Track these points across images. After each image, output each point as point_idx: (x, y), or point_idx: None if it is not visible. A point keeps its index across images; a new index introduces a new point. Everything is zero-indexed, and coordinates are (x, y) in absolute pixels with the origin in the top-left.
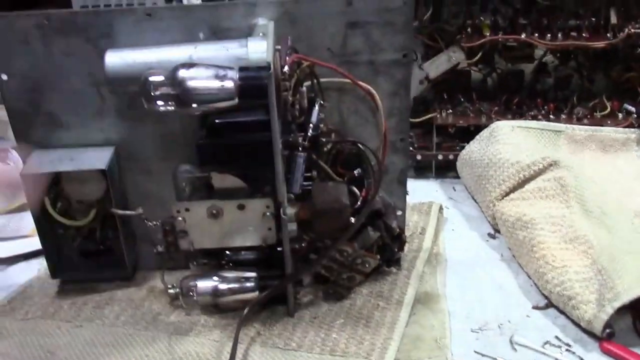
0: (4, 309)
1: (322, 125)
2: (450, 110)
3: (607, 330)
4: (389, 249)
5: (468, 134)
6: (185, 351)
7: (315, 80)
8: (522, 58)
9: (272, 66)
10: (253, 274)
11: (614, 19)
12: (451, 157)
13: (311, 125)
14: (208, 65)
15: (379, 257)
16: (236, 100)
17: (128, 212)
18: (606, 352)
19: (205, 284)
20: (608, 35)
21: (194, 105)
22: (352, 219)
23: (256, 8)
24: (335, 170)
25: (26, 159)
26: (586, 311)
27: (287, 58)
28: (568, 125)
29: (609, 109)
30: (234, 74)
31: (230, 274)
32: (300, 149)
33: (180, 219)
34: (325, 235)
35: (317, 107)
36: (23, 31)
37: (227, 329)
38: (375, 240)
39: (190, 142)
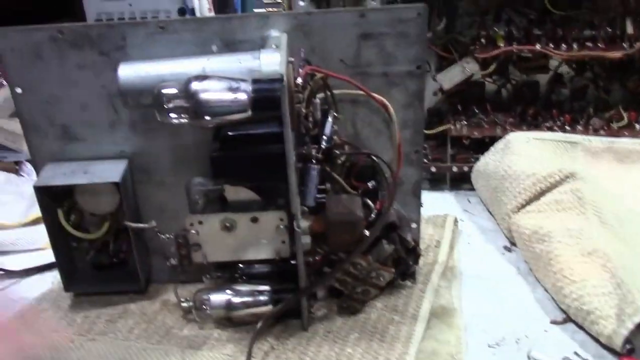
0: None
1: (335, 137)
2: (465, 122)
3: (628, 346)
4: (403, 262)
5: (483, 145)
6: None
7: (328, 92)
8: (537, 69)
9: (285, 78)
10: (267, 288)
11: (630, 29)
12: (466, 168)
13: (325, 137)
14: (221, 78)
15: (393, 270)
16: (249, 113)
17: (141, 225)
18: None
19: (218, 298)
20: (624, 45)
21: (207, 117)
22: (367, 232)
23: (269, 20)
24: (349, 183)
25: (40, 172)
26: (606, 326)
27: (301, 70)
28: (584, 137)
29: (625, 120)
30: (247, 86)
31: (243, 288)
32: (314, 161)
33: (193, 231)
34: (339, 248)
35: (330, 119)
36: (37, 45)
37: (241, 343)
38: (390, 254)
39: (203, 154)
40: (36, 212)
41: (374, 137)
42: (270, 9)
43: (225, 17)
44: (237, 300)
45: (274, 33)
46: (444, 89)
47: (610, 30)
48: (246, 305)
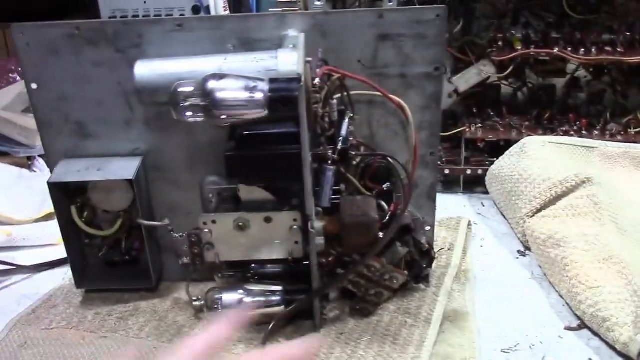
0: (29, 318)
1: (351, 139)
2: (480, 125)
3: None
4: (417, 265)
5: (498, 148)
6: None
7: (345, 93)
8: (553, 72)
9: (302, 78)
10: (279, 288)
11: None
12: (480, 172)
13: (341, 138)
14: (238, 77)
15: (407, 273)
16: (266, 112)
17: (154, 223)
18: None
19: (230, 297)
20: None
21: (223, 116)
22: (381, 234)
23: (286, 19)
24: (364, 184)
25: (54, 168)
26: (622, 334)
27: (318, 70)
28: (601, 142)
29: None
30: (264, 86)
31: (255, 288)
32: (329, 162)
33: (206, 230)
34: (353, 249)
35: (346, 120)
36: (54, 41)
37: (252, 343)
38: (403, 256)
39: (218, 153)
40: (48, 207)
41: (390, 138)
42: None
43: (242, 16)
44: (249, 300)
45: (292, 33)
46: (459, 91)
47: (629, 34)
48: (258, 305)
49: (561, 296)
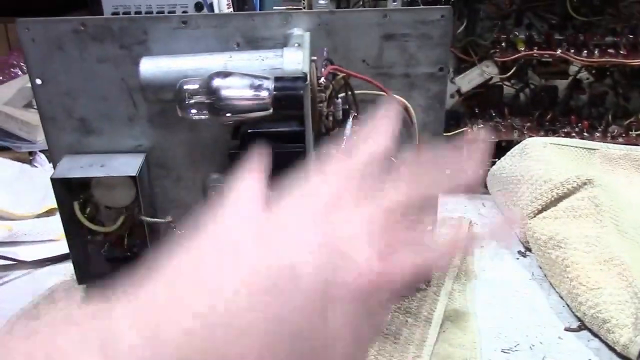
0: (30, 313)
1: (355, 138)
2: (482, 125)
3: None
4: None
5: (499, 149)
6: None
7: (350, 92)
8: (556, 74)
9: (308, 77)
10: None
11: None
12: (481, 172)
13: (345, 137)
14: (243, 75)
15: None
16: (271, 111)
17: (157, 219)
18: None
19: None
20: None
21: (228, 114)
22: None
23: (292, 18)
24: None
25: (57, 163)
26: (622, 335)
27: (323, 69)
28: (602, 144)
29: None
30: (269, 84)
31: None
32: None
33: None
34: None
35: (351, 119)
36: (58, 37)
37: None
38: None
39: (221, 151)
40: (50, 203)
41: None
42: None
43: (247, 14)
44: None
45: (297, 31)
46: (462, 92)
47: (632, 37)
48: None
49: (561, 297)
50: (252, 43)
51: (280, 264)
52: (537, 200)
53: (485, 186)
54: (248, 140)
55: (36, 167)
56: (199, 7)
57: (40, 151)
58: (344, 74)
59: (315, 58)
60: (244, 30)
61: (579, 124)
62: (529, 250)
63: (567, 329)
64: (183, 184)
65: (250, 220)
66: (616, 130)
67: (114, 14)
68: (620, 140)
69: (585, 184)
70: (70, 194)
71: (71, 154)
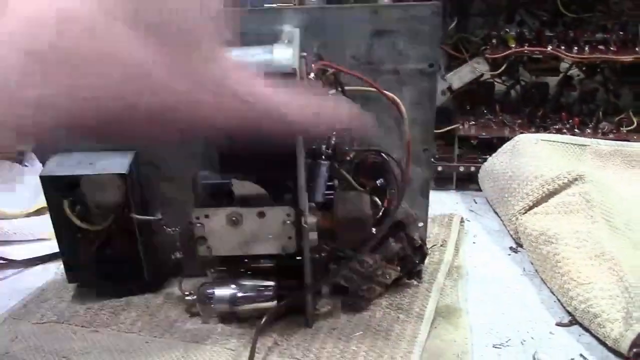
0: (20, 312)
1: (345, 134)
2: (473, 122)
3: (634, 350)
4: (410, 260)
5: (490, 146)
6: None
7: (339, 88)
8: (547, 70)
9: (298, 73)
10: (271, 283)
11: None
12: (473, 169)
13: (334, 133)
14: None
15: (399, 268)
16: None
17: (147, 217)
18: None
19: (222, 292)
20: (637, 49)
21: None
22: (374, 230)
23: (282, 14)
24: (358, 180)
25: (46, 162)
26: (612, 329)
27: (313, 65)
28: (593, 140)
29: (635, 124)
30: None
31: (248, 282)
32: (323, 157)
33: (199, 225)
34: (346, 245)
35: None
36: None
37: (244, 338)
38: (396, 252)
39: (211, 148)
40: (40, 202)
41: (384, 134)
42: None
43: (237, 11)
44: (241, 294)
45: (287, 28)
46: (453, 89)
47: (622, 33)
48: (251, 300)
49: (552, 292)
50: (242, 40)
51: None
52: (528, 196)
53: (477, 182)
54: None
55: (26, 166)
56: None
57: (30, 150)
58: (334, 70)
59: (305, 54)
60: (234, 26)
61: (570, 121)
62: (520, 246)
63: (559, 324)
64: (173, 182)
65: None
66: (607, 127)
67: None
68: (611, 136)
69: (576, 179)
70: (60, 192)
71: (60, 152)
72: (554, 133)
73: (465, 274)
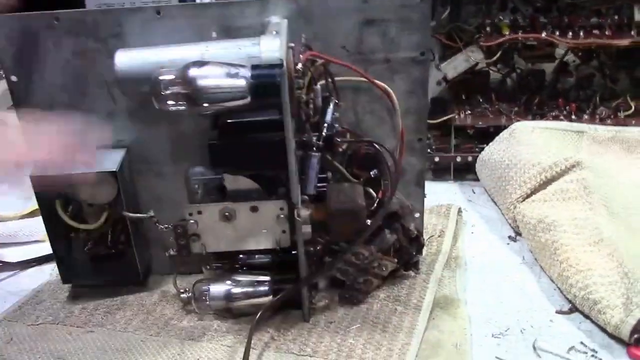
0: (15, 314)
1: (337, 125)
2: (469, 111)
3: (635, 336)
4: (406, 251)
5: (487, 135)
6: (198, 357)
7: (329, 79)
8: (542, 57)
9: (285, 63)
10: (267, 278)
11: (638, 16)
12: (470, 158)
13: (325, 124)
14: (220, 64)
15: (396, 260)
16: (248, 99)
17: (139, 215)
18: (634, 358)
19: (218, 288)
20: (632, 33)
21: (206, 104)
22: (369, 221)
23: (269, 6)
24: (351, 172)
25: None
26: (613, 316)
27: (301, 56)
28: (590, 126)
29: (633, 109)
30: (246, 72)
31: (243, 278)
32: (314, 148)
33: (192, 221)
34: (340, 237)
35: (331, 106)
36: (33, 32)
37: (241, 334)
38: (392, 243)
39: (202, 143)
40: (34, 203)
41: (376, 125)
42: None
43: (224, 3)
44: (236, 290)
45: (275, 19)
46: (447, 78)
47: (617, 17)
48: (246, 295)
49: (552, 280)
50: (229, 32)
51: None
52: (526, 184)
53: (475, 172)
54: (227, 131)
55: None
56: None
57: None
58: (323, 60)
59: (293, 45)
60: (221, 19)
61: (567, 107)
62: (519, 234)
63: (558, 312)
64: (165, 178)
65: None
66: (604, 112)
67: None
68: (609, 121)
69: (573, 166)
70: (51, 192)
71: None
72: (550, 120)
73: (463, 264)
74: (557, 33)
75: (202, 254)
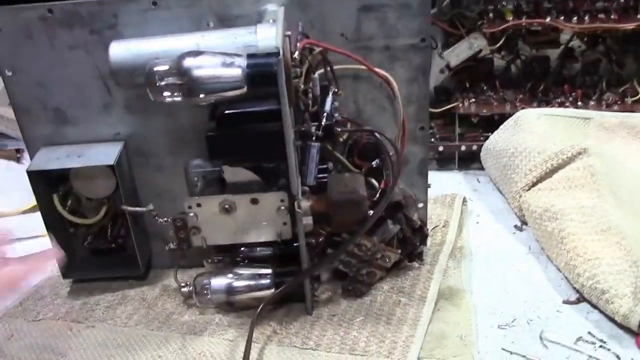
0: (16, 310)
1: (336, 114)
2: (473, 100)
3: None
4: (410, 242)
5: (492, 123)
6: (200, 351)
7: (328, 67)
8: (547, 43)
9: (281, 52)
10: (268, 271)
11: None
12: (474, 147)
13: (325, 114)
14: (215, 53)
15: (399, 251)
16: (245, 89)
17: (138, 208)
18: None
19: (219, 282)
20: (638, 16)
21: (202, 95)
22: (371, 212)
23: None
24: (352, 162)
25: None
26: (621, 305)
27: (298, 44)
28: (597, 112)
29: None
30: (242, 61)
31: (245, 271)
32: (314, 138)
33: (192, 214)
34: (342, 228)
35: (330, 95)
36: (26, 24)
37: (242, 328)
38: (395, 234)
39: (201, 136)
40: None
41: (377, 113)
42: None
43: None
44: (238, 284)
45: (271, 7)
46: (450, 66)
47: (623, 1)
48: (248, 288)
49: (559, 270)
50: (226, 22)
51: None
52: (532, 172)
53: (480, 161)
54: (225, 122)
55: (24, 164)
56: None
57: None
58: (321, 48)
59: (289, 33)
60: (217, 8)
61: (573, 93)
62: (525, 223)
63: (566, 302)
64: (164, 171)
65: None
66: (611, 98)
67: None
68: (616, 107)
69: (580, 153)
70: (49, 186)
71: (48, 145)
72: (556, 107)
73: (468, 255)
74: (562, 18)
75: (203, 247)
